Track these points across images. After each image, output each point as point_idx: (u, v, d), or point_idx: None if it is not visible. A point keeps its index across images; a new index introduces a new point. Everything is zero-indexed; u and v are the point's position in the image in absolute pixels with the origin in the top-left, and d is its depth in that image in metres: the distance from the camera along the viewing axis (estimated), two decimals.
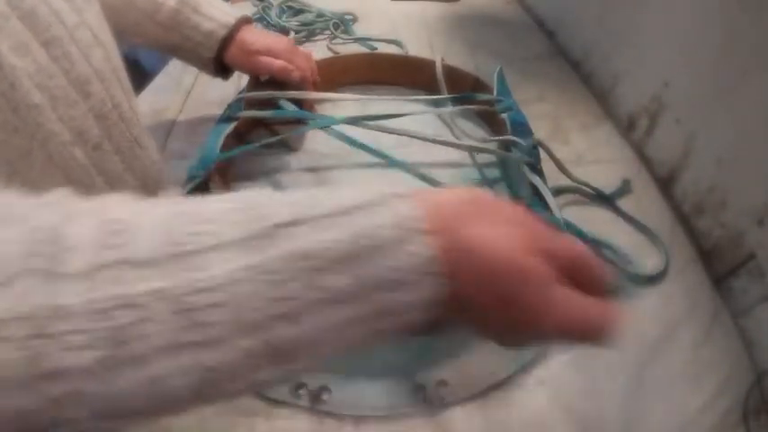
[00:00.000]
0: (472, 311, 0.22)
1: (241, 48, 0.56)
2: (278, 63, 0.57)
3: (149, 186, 0.44)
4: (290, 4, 0.91)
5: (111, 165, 0.41)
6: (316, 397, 0.38)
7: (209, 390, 0.18)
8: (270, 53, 0.57)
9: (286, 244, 0.19)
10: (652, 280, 0.48)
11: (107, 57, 0.40)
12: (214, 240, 0.18)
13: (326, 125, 0.56)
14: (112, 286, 0.17)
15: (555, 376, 0.40)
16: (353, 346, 0.21)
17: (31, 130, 0.33)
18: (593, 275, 0.23)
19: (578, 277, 0.23)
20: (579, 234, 0.50)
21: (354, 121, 0.53)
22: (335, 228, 0.20)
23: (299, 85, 0.59)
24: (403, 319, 0.21)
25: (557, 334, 0.22)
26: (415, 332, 0.22)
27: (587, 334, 0.22)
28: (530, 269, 0.21)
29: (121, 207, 0.20)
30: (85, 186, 0.38)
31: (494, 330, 0.23)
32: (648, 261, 0.49)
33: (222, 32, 0.55)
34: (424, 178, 0.55)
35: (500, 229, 0.22)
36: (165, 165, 0.48)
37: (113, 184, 0.40)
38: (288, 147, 0.61)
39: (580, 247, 0.24)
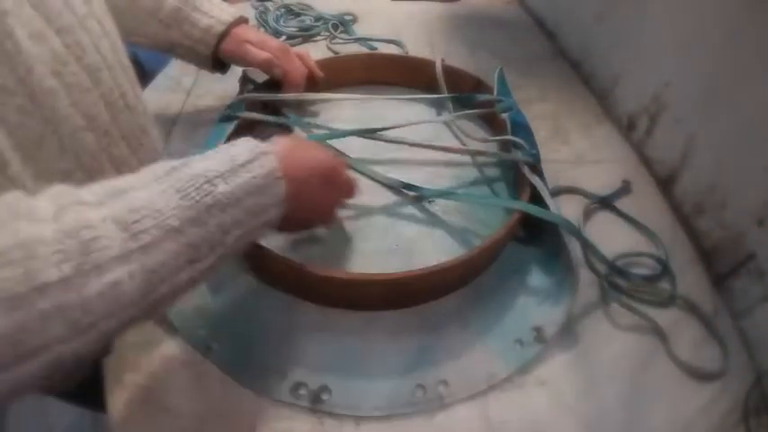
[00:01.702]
0: (301, 204, 0.36)
1: (235, 39, 0.57)
2: (263, 54, 0.58)
3: None
4: (289, 5, 0.91)
5: (118, 150, 0.42)
6: (316, 397, 0.38)
7: (150, 293, 0.26)
8: (261, 46, 0.58)
9: (183, 171, 0.29)
10: (652, 280, 0.48)
11: (113, 47, 0.42)
12: (137, 183, 0.28)
13: (327, 138, 0.56)
14: (74, 217, 0.24)
15: (555, 376, 0.40)
16: (239, 246, 0.31)
17: (45, 115, 0.34)
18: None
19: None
20: (578, 236, 0.50)
21: (357, 133, 0.54)
22: (212, 159, 0.31)
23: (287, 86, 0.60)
24: (265, 218, 0.32)
25: (343, 196, 0.43)
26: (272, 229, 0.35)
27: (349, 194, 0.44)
28: (333, 163, 0.40)
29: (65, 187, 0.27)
30: (95, 171, 0.39)
31: (315, 211, 0.41)
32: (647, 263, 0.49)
33: (220, 28, 0.57)
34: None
35: (312, 150, 0.39)
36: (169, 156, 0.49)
37: (120, 168, 0.42)
38: None
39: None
